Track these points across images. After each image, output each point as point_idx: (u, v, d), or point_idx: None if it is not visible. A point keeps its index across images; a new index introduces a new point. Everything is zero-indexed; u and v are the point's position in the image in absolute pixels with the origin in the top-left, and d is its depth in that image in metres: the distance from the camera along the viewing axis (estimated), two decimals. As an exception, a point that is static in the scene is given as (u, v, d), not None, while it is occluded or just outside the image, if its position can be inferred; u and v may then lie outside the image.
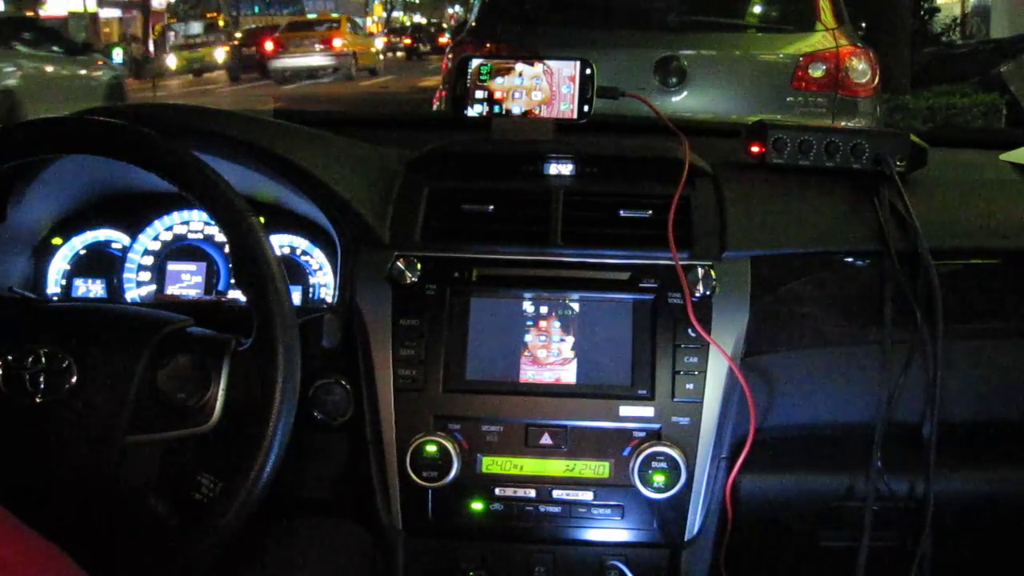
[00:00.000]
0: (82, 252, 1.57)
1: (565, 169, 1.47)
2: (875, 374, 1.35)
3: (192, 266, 1.55)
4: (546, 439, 1.32)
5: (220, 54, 23.72)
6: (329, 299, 1.49)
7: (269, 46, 19.74)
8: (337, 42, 19.65)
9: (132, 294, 1.55)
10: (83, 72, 11.05)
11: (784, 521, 1.45)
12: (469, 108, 1.50)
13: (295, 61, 19.22)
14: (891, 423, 1.34)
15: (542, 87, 1.48)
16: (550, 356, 1.33)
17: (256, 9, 28.18)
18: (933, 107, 6.95)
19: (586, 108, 1.48)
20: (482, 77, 1.49)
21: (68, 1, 27.74)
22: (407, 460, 1.29)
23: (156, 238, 1.56)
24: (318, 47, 19.46)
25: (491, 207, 1.40)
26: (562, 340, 1.33)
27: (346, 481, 1.42)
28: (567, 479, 1.32)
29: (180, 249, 1.55)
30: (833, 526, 1.43)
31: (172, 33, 27.12)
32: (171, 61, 23.29)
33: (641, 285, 1.33)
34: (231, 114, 1.55)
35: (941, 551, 1.35)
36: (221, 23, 26.85)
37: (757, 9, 4.78)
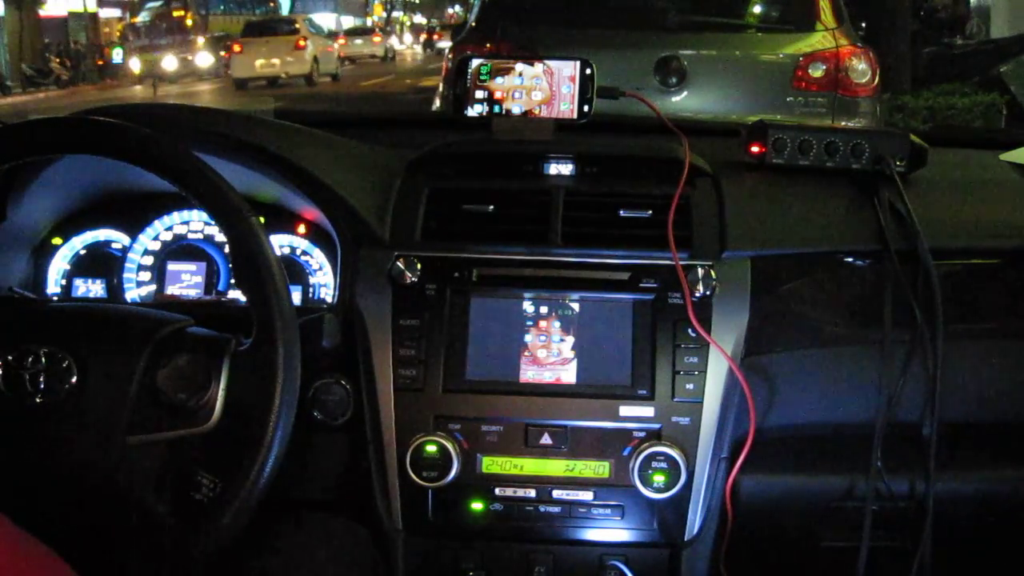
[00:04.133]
0: (82, 252, 1.57)
1: (565, 169, 1.47)
2: (875, 374, 1.35)
3: (192, 266, 1.55)
4: (546, 439, 1.32)
5: (202, 58, 23.66)
6: (329, 299, 1.49)
7: (435, 36, 33.43)
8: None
9: (132, 294, 1.55)
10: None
11: (784, 521, 1.45)
12: (469, 108, 1.50)
13: (446, 43, 30.33)
14: (891, 423, 1.34)
15: (542, 87, 1.48)
16: (550, 356, 1.33)
17: (221, 8, 27.99)
18: (933, 107, 6.94)
19: (586, 108, 1.48)
20: (482, 77, 1.49)
21: (68, 1, 27.71)
22: (407, 460, 1.29)
23: (156, 238, 1.56)
24: (461, 35, 33.10)
25: (491, 207, 1.40)
26: (562, 340, 1.33)
27: (346, 481, 1.42)
28: (567, 479, 1.32)
29: (180, 249, 1.55)
30: (833, 526, 1.43)
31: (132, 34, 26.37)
32: (134, 64, 22.41)
33: (641, 285, 1.33)
34: (231, 114, 1.55)
35: (941, 551, 1.35)
36: (189, 22, 26.55)
37: (757, 9, 4.78)
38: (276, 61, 19.42)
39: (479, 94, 1.49)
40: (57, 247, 1.56)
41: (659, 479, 1.28)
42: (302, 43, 19.99)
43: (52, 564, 0.83)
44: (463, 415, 1.32)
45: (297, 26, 20.95)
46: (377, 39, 31.65)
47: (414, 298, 1.34)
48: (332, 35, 26.00)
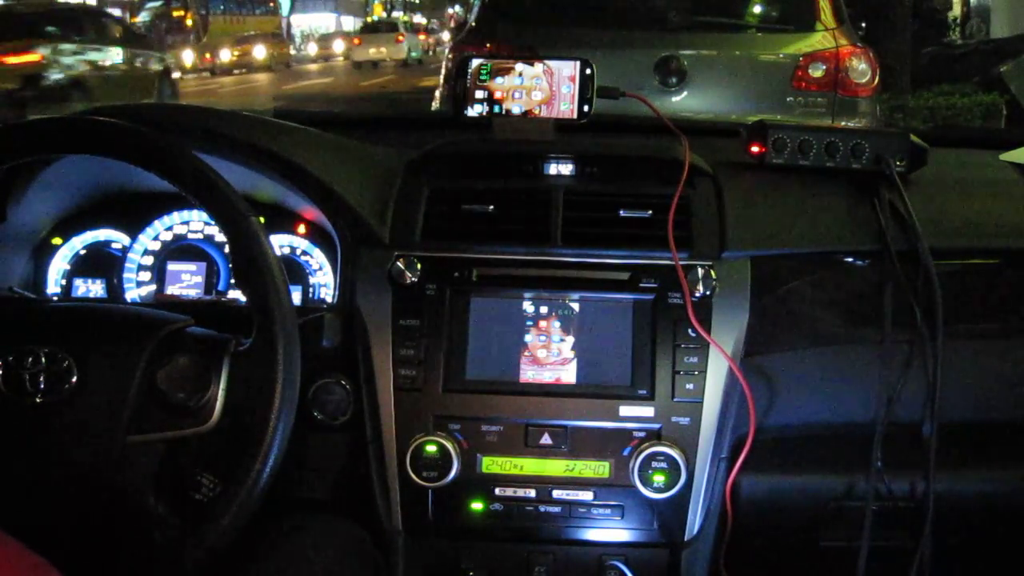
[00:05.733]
0: (82, 252, 1.57)
1: (565, 169, 1.47)
2: (875, 374, 1.35)
3: (192, 266, 1.55)
4: (546, 439, 1.32)
5: (188, 56, 24.10)
6: (329, 299, 1.49)
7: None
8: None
9: (132, 294, 1.55)
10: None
11: (784, 521, 1.45)
12: (469, 108, 1.50)
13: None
14: (891, 423, 1.34)
15: (542, 87, 1.48)
16: (550, 356, 1.33)
17: (221, 7, 28.17)
18: (933, 107, 6.94)
19: (586, 108, 1.48)
20: (482, 77, 1.49)
21: (68, 1, 27.67)
22: (407, 460, 1.29)
23: (156, 238, 1.56)
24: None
25: (491, 207, 1.40)
26: (562, 340, 1.33)
27: (346, 481, 1.42)
28: (567, 479, 1.32)
29: (180, 249, 1.55)
30: (833, 526, 1.43)
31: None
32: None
33: (641, 285, 1.33)
34: (232, 114, 1.55)
35: (941, 551, 1.35)
36: (189, 22, 26.63)
37: (757, 9, 4.77)
38: (383, 49, 28.29)
39: (479, 94, 1.49)
40: (57, 247, 1.56)
41: (659, 479, 1.28)
42: (400, 38, 28.85)
43: (43, 571, 0.83)
44: (463, 415, 1.32)
45: (397, 25, 31.10)
46: (421, 36, 40.29)
47: (414, 298, 1.34)
48: (416, 30, 35.66)
